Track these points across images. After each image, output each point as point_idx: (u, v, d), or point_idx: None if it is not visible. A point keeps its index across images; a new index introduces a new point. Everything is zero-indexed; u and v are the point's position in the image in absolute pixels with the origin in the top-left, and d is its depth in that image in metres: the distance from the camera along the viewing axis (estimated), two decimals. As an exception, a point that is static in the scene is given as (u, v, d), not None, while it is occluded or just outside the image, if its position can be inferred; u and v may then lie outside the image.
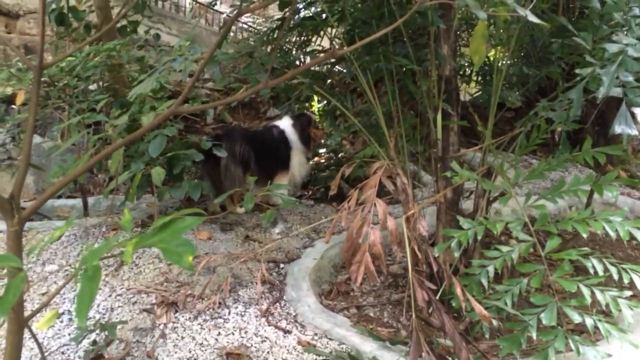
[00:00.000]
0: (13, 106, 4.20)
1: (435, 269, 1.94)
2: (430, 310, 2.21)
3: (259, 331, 2.26)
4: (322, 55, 2.53)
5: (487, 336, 2.10)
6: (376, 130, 2.83)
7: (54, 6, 3.70)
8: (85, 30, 4.18)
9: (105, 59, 3.20)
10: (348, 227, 2.11)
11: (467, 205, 3.09)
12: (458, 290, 1.85)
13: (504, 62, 2.72)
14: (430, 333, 1.84)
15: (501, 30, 2.65)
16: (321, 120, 4.91)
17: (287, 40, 3.45)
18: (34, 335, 1.22)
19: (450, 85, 2.63)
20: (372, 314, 2.61)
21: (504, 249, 2.09)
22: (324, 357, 2.08)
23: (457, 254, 2.11)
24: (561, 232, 3.07)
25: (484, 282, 2.06)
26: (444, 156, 2.59)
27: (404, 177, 2.21)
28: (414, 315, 1.84)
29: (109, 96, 3.11)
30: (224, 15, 8.88)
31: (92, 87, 3.78)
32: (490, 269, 2.07)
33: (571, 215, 2.07)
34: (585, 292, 1.86)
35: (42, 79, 3.16)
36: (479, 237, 2.11)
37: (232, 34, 8.14)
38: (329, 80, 3.43)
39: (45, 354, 2.04)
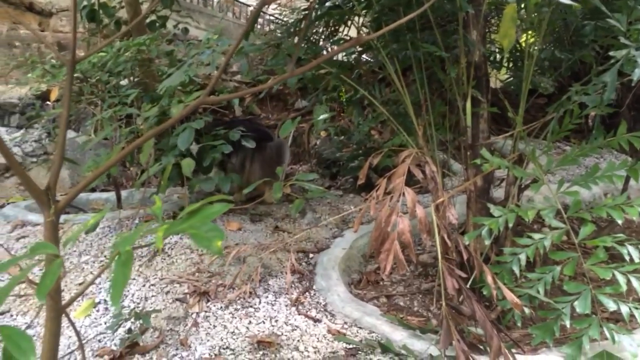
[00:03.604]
0: (48, 102, 4.32)
1: (465, 257, 1.92)
2: (460, 299, 2.20)
3: (289, 320, 2.28)
4: (346, 42, 2.51)
5: (519, 324, 2.07)
6: (404, 119, 2.81)
7: (85, 3, 3.77)
8: (115, 26, 4.25)
9: (136, 53, 3.25)
10: (376, 216, 2.11)
11: (498, 193, 3.05)
12: (489, 278, 1.83)
13: (535, 46, 2.66)
14: (460, 321, 1.83)
15: (533, 14, 2.59)
16: (347, 110, 4.90)
17: (315, 31, 3.44)
18: (71, 323, 1.26)
19: (480, 72, 2.58)
20: (402, 303, 2.60)
21: (536, 236, 2.06)
22: (354, 345, 2.08)
23: (487, 242, 2.08)
24: (595, 220, 3.00)
25: (516, 270, 2.03)
26: (473, 144, 2.56)
27: (433, 165, 2.18)
28: (444, 304, 1.83)
29: (140, 90, 3.17)
30: (251, 8, 8.91)
31: (123, 82, 3.85)
32: (522, 256, 2.05)
33: (605, 202, 2.02)
34: (621, 279, 1.82)
35: (75, 75, 3.23)
36: (510, 225, 2.07)
37: (259, 26, 8.17)
38: (356, 70, 3.41)
39: (83, 341, 2.10)
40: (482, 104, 2.58)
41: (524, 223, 2.69)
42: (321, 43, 3.52)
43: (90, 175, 1.38)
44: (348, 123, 4.82)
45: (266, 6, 8.52)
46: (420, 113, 2.68)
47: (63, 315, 1.28)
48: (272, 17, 8.95)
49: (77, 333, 1.31)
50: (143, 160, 2.30)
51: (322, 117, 4.46)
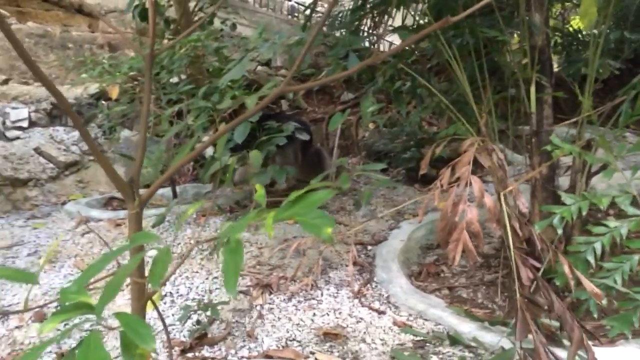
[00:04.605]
0: (103, 102, 4.42)
1: (539, 246, 1.87)
2: (532, 289, 2.13)
3: (353, 312, 2.26)
4: (432, 26, 2.47)
5: (595, 316, 2.00)
6: (463, 107, 2.74)
7: (137, 2, 3.85)
8: (165, 24, 4.32)
9: (189, 51, 3.29)
10: (442, 206, 2.07)
11: (560, 182, 2.96)
12: (566, 268, 1.77)
13: (600, 29, 2.56)
14: (537, 312, 1.78)
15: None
16: (396, 101, 4.83)
17: (358, 23, 3.41)
18: (157, 309, 1.27)
19: (544, 56, 2.50)
20: (464, 295, 2.55)
21: (611, 224, 1.98)
22: (422, 338, 2.06)
23: (560, 231, 2.02)
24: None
25: (591, 259, 1.96)
26: (538, 130, 2.48)
27: (500, 152, 2.13)
28: (518, 294, 1.78)
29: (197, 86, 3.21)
30: (291, 3, 8.92)
31: (173, 79, 3.91)
32: (597, 245, 1.97)
33: (686, 188, 1.93)
34: None
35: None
36: (584, 213, 2.00)
37: (294, 18, 8.19)
38: (405, 59, 3.35)
39: (154, 333, 2.14)
40: (546, 89, 2.50)
41: (589, 212, 2.60)
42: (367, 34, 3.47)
43: (170, 168, 1.39)
44: (397, 114, 4.76)
45: None
46: (480, 101, 2.62)
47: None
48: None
49: (162, 318, 1.33)
50: (219, 154, 2.32)
51: (370, 108, 4.43)
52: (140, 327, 0.74)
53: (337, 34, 3.21)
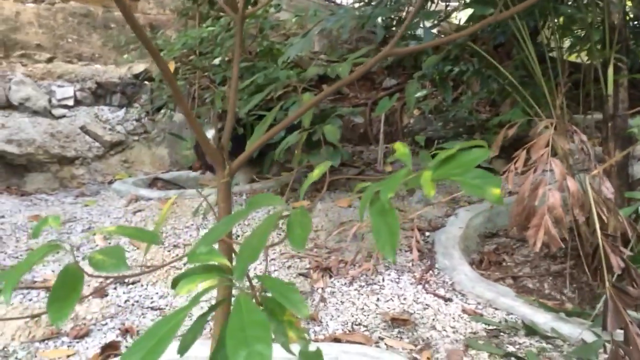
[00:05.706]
0: (146, 82, 4.39)
1: (630, 233, 1.76)
2: (612, 278, 2.03)
3: (418, 298, 2.18)
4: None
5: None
6: (531, 88, 2.62)
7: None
8: (209, 5, 4.26)
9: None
10: (518, 189, 1.98)
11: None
12: (660, 257, 1.66)
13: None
14: (630, 302, 1.67)
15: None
16: (441, 87, 4.70)
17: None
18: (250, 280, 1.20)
19: (621, 36, 2.37)
20: (530, 285, 2.45)
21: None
22: (495, 327, 1.97)
23: (647, 219, 1.91)
24: None
25: (681, 250, 1.85)
26: (614, 114, 2.35)
27: (582, 134, 2.02)
28: (607, 284, 1.68)
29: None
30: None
31: (215, 61, 3.85)
32: (688, 235, 1.86)
33: None
34: None
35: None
36: (674, 200, 1.89)
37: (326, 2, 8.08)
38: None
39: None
40: (623, 71, 2.37)
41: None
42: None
43: (260, 139, 1.32)
44: (443, 101, 4.63)
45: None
46: (549, 83, 2.50)
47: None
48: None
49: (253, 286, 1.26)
50: (306, 125, 2.24)
51: (417, 94, 4.31)
52: (289, 292, 0.67)
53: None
